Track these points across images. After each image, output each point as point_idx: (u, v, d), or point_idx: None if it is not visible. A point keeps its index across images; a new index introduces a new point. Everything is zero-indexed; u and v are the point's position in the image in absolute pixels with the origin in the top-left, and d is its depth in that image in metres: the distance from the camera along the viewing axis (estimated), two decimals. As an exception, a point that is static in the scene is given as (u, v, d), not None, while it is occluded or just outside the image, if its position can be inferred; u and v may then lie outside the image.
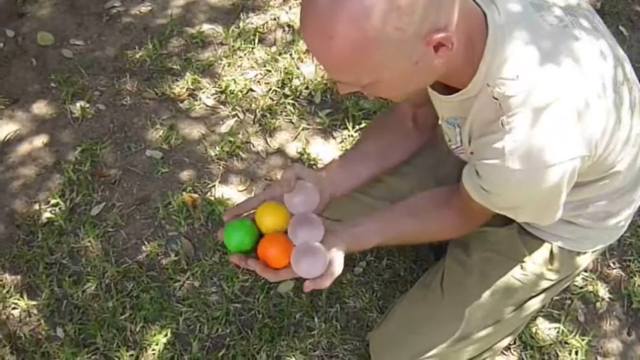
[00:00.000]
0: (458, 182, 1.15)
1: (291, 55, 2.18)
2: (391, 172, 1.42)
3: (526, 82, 0.95)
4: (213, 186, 1.91)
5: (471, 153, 1.09)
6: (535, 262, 1.34)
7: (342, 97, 2.01)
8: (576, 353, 1.67)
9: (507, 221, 1.36)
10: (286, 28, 2.25)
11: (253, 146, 1.99)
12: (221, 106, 2.07)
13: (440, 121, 1.20)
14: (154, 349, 1.66)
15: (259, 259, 1.10)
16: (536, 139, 0.95)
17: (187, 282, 1.75)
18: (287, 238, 1.11)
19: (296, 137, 2.01)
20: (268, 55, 2.18)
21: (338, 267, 1.10)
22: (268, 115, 2.04)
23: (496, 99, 0.97)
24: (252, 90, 2.10)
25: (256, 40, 2.21)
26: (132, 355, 1.65)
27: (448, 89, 1.06)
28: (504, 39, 0.96)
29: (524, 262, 1.35)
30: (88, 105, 2.06)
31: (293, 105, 2.07)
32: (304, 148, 1.98)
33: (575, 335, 1.69)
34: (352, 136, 1.99)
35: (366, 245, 1.22)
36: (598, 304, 1.75)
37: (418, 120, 1.35)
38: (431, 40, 0.87)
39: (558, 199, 1.04)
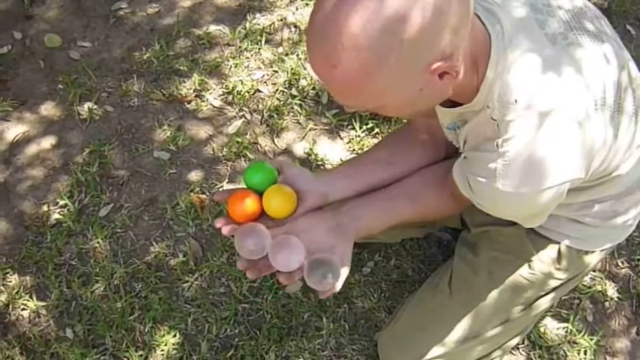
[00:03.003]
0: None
1: (297, 55, 2.18)
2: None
3: (524, 106, 0.96)
4: (221, 186, 1.91)
5: (464, 157, 1.10)
6: (543, 261, 1.34)
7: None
8: (585, 353, 1.67)
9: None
10: (293, 29, 2.25)
11: (260, 147, 2.00)
12: (228, 107, 2.08)
13: (440, 126, 1.20)
14: (162, 350, 1.67)
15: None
16: (529, 166, 0.96)
17: (195, 282, 1.76)
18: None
19: (303, 137, 2.01)
20: (275, 55, 2.18)
21: (348, 264, 1.15)
22: (275, 116, 2.05)
23: (494, 120, 0.99)
24: (259, 90, 2.11)
25: (263, 41, 2.21)
26: (141, 355, 1.65)
27: (450, 102, 1.06)
28: (507, 61, 0.96)
29: (531, 261, 1.35)
30: (95, 106, 2.07)
31: (300, 105, 2.07)
32: (311, 149, 1.98)
33: (583, 335, 1.69)
34: (359, 136, 2.00)
35: (369, 235, 1.25)
36: (607, 304, 1.74)
37: (434, 131, 1.32)
38: (435, 69, 0.87)
39: (546, 212, 1.09)
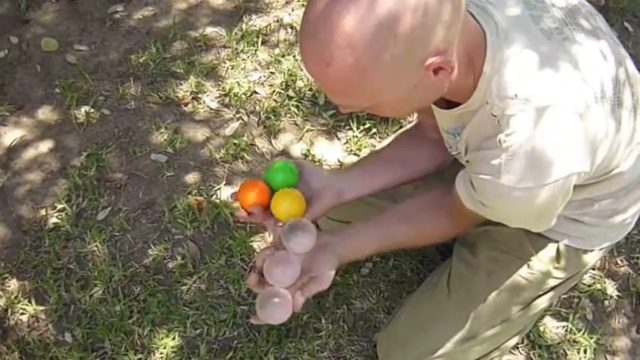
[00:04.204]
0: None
1: (294, 56, 2.18)
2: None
3: (524, 101, 0.95)
4: (219, 189, 1.91)
5: (467, 161, 1.10)
6: (541, 261, 1.34)
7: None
8: (585, 352, 1.66)
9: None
10: (289, 30, 2.25)
11: (258, 148, 1.99)
12: (225, 109, 2.08)
13: (441, 131, 1.20)
14: (161, 353, 1.66)
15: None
16: (533, 159, 0.95)
17: (194, 285, 1.76)
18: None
19: (300, 138, 2.01)
20: (271, 56, 2.18)
21: (327, 281, 1.12)
22: (272, 117, 2.05)
23: (494, 116, 0.98)
24: (255, 92, 2.11)
25: (259, 42, 2.21)
26: (140, 358, 1.65)
27: (448, 103, 1.06)
28: (503, 56, 0.96)
29: (530, 260, 1.34)
30: (92, 110, 2.07)
31: (297, 106, 2.07)
32: (309, 150, 1.98)
33: (583, 333, 1.68)
34: (357, 136, 1.99)
35: (360, 256, 1.24)
36: (606, 302, 1.74)
37: None
38: (430, 65, 0.87)
39: (553, 211, 1.07)
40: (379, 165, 1.33)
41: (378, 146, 1.67)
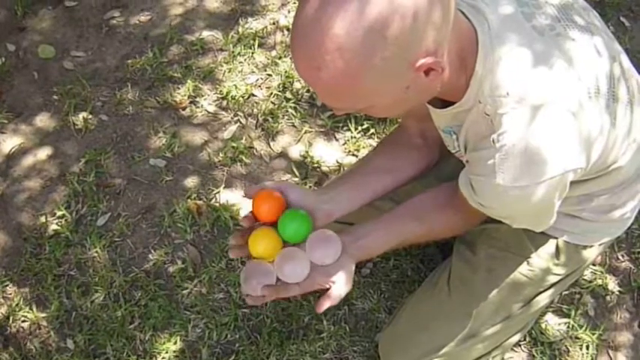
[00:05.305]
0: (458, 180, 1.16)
1: (291, 58, 2.18)
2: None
3: (516, 99, 0.95)
4: (218, 192, 1.91)
5: (467, 161, 1.10)
6: (541, 257, 1.34)
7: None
8: (587, 348, 1.66)
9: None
10: (285, 32, 2.25)
11: (256, 151, 1.99)
12: (223, 112, 2.08)
13: (438, 130, 1.20)
14: (163, 357, 1.66)
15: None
16: (527, 157, 0.96)
17: (195, 289, 1.75)
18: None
19: (299, 140, 2.01)
20: (268, 59, 2.18)
21: (350, 282, 1.15)
22: (270, 119, 2.05)
23: (488, 115, 0.98)
24: (253, 95, 2.11)
25: (256, 45, 2.21)
26: (142, 363, 1.65)
27: (442, 102, 1.06)
28: (494, 55, 0.96)
29: (530, 257, 1.34)
30: (90, 116, 2.07)
31: (295, 108, 2.07)
32: (307, 151, 1.98)
33: (585, 330, 1.68)
34: (355, 137, 1.99)
35: (372, 255, 1.26)
36: (608, 298, 1.74)
37: (426, 135, 1.34)
38: (420, 66, 0.87)
39: (551, 208, 1.07)
40: (365, 178, 1.33)
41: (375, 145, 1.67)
